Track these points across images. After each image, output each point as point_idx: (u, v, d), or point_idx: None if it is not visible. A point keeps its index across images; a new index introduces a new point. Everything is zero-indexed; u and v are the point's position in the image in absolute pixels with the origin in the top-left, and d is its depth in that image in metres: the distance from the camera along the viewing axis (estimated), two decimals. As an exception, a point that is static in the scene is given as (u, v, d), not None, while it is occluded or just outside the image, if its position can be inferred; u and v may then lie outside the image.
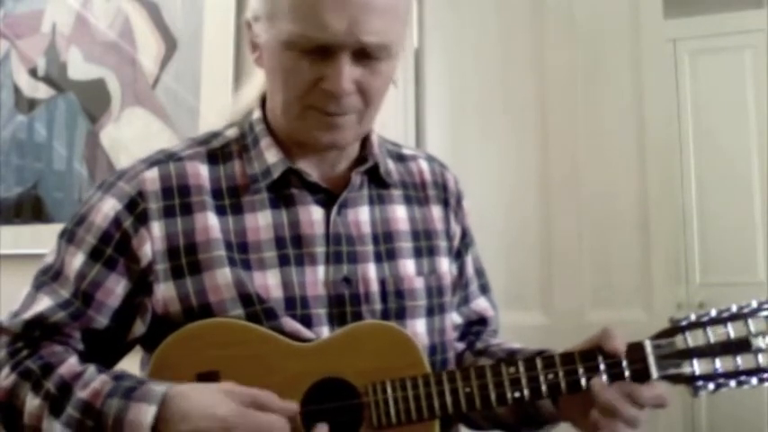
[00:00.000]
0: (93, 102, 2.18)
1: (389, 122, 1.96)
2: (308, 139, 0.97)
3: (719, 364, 0.92)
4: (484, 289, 1.18)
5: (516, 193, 2.15)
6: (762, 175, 3.35)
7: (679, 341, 0.93)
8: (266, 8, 0.95)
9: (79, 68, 2.21)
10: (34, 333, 0.94)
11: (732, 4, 3.43)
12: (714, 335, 0.93)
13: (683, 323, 0.94)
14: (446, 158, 1.19)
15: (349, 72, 0.91)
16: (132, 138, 2.12)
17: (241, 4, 1.98)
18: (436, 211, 1.10)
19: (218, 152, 1.02)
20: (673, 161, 3.10)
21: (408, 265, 1.03)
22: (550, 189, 2.14)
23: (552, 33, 2.17)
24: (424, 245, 1.06)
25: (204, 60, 2.05)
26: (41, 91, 2.25)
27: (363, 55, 0.92)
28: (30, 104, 2.27)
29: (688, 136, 3.48)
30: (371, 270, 1.00)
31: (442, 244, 1.08)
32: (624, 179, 2.13)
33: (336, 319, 0.96)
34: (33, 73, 2.27)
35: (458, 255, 1.12)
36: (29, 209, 2.22)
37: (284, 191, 0.99)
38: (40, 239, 2.03)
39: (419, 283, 1.02)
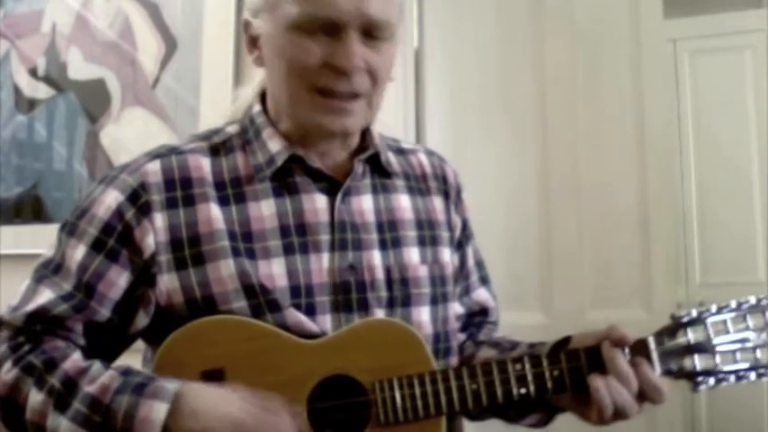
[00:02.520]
0: (93, 102, 2.18)
1: (389, 122, 1.96)
2: (318, 126, 0.97)
3: (719, 359, 0.94)
4: (484, 280, 1.19)
5: (516, 193, 2.15)
6: (762, 175, 3.34)
7: (680, 337, 0.95)
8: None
9: (79, 68, 2.21)
10: (36, 326, 0.93)
11: (732, 4, 3.43)
12: (714, 330, 0.94)
13: (684, 319, 0.95)
14: (446, 158, 1.19)
15: (359, 49, 0.93)
16: (132, 138, 2.12)
17: (241, 3, 1.98)
18: (437, 202, 1.11)
19: (219, 146, 1.02)
20: (673, 161, 3.10)
21: (413, 254, 1.03)
22: (550, 189, 2.14)
23: (552, 33, 2.17)
24: (428, 234, 1.07)
25: (204, 60, 2.05)
26: (41, 91, 2.25)
27: (369, 34, 0.94)
28: (30, 104, 2.27)
29: (688, 136, 3.48)
30: (376, 257, 1.00)
31: (444, 234, 1.09)
32: (624, 179, 2.13)
33: (342, 306, 0.96)
34: (33, 73, 2.27)
35: (459, 246, 1.14)
36: (29, 209, 2.22)
37: (287, 179, 1.00)
38: (40, 239, 2.01)
39: (423, 272, 1.03)
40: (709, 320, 0.95)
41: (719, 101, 3.44)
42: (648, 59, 2.15)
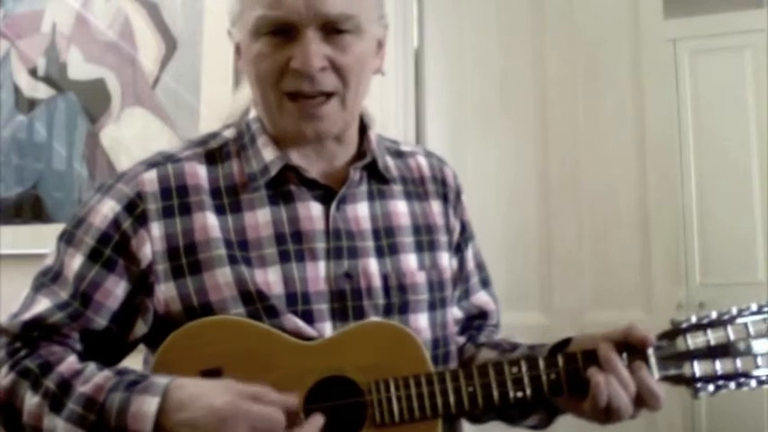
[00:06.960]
0: (93, 102, 2.18)
1: (389, 122, 1.96)
2: (293, 132, 0.97)
3: (719, 365, 0.92)
4: (485, 283, 1.18)
5: (516, 193, 2.15)
6: (762, 175, 3.35)
7: (680, 342, 0.94)
8: (237, 8, 0.98)
9: (79, 68, 2.21)
10: (33, 334, 0.93)
11: (732, 4, 3.43)
12: (714, 337, 0.93)
13: (684, 325, 0.94)
14: (446, 158, 1.19)
15: (317, 48, 0.92)
16: (132, 138, 2.12)
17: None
18: (436, 206, 1.10)
19: (215, 152, 1.02)
20: (673, 161, 3.10)
21: (410, 260, 1.03)
22: (550, 189, 2.14)
23: (552, 33, 2.17)
24: (425, 239, 1.06)
25: (204, 60, 2.05)
26: (41, 91, 2.25)
27: (329, 29, 0.93)
28: (30, 104, 2.27)
29: (688, 136, 3.48)
30: (372, 265, 1.00)
31: (443, 239, 1.09)
32: (624, 179, 2.13)
33: (338, 314, 0.96)
34: (33, 73, 2.27)
35: (458, 249, 1.13)
36: (29, 209, 2.22)
37: (282, 188, 0.99)
38: (40, 239, 2.02)
39: (421, 278, 1.03)
40: (709, 327, 0.93)
41: (719, 101, 3.44)
42: (648, 59, 2.15)
